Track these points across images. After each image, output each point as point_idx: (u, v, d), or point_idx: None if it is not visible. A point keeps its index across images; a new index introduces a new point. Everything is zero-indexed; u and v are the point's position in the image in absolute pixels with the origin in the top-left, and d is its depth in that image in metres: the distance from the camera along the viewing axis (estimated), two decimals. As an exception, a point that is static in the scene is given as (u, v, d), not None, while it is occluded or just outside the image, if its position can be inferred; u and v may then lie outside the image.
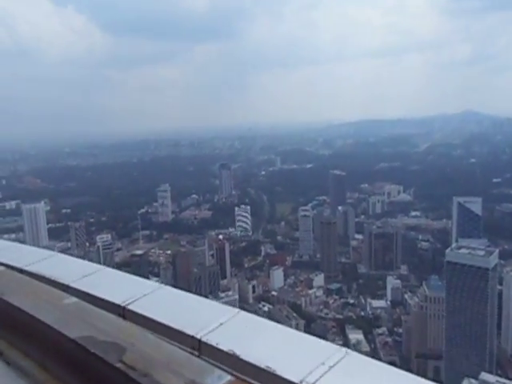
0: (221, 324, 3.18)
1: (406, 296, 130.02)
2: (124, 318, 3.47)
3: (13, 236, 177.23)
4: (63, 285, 4.12)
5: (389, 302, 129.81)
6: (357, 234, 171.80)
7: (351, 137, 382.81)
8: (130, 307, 3.58)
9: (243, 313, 3.43)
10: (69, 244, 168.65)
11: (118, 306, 3.62)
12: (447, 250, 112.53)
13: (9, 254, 5.18)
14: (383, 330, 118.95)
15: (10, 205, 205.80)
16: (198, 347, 2.93)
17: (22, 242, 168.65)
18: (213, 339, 2.94)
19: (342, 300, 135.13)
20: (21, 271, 4.56)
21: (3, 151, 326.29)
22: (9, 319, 3.27)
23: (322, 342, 2.95)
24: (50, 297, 3.37)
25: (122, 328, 2.85)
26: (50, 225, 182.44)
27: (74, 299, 3.32)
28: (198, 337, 2.95)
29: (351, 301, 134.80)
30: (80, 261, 5.19)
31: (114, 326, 2.87)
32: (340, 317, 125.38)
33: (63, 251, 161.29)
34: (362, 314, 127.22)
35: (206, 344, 2.91)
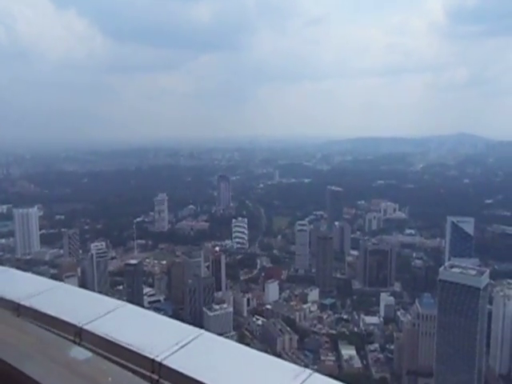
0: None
1: (398, 313, 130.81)
2: (81, 339, 3.41)
3: (3, 241, 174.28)
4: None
5: (382, 319, 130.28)
6: (352, 249, 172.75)
7: (350, 153, 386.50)
8: (87, 327, 3.48)
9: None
10: (61, 251, 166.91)
11: (75, 326, 3.49)
12: (440, 269, 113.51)
13: None
14: (375, 346, 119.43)
15: (1, 209, 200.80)
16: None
17: (13, 247, 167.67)
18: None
19: (336, 315, 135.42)
20: None
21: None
22: None
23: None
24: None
25: None
26: (42, 231, 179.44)
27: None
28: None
29: (345, 316, 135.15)
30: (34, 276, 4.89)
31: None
32: (333, 332, 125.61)
33: (55, 258, 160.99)
34: (355, 329, 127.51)
35: None
